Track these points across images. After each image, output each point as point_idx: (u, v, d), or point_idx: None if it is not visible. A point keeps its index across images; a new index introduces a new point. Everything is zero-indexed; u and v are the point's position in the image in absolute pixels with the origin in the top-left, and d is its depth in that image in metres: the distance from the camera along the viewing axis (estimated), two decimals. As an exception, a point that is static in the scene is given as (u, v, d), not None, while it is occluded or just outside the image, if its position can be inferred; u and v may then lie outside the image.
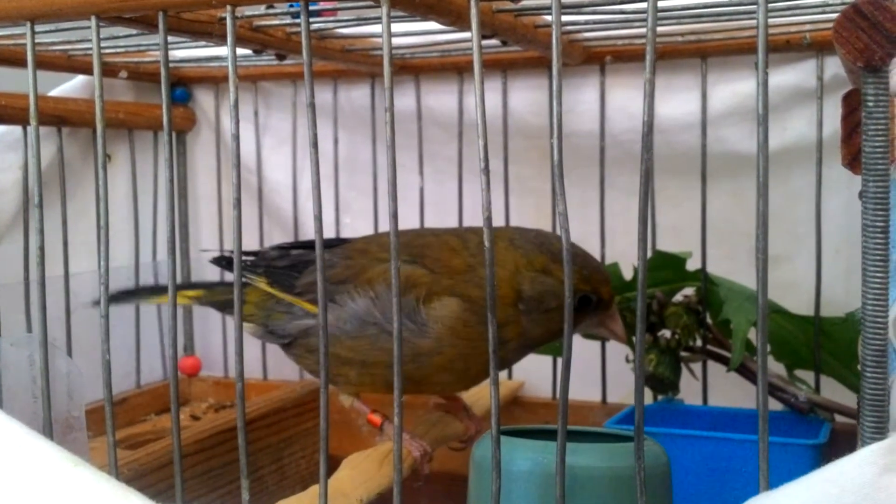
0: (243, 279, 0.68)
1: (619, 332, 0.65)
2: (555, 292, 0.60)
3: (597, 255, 0.80)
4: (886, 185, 0.38)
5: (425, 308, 0.60)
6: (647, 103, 0.40)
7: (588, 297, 0.62)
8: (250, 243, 0.93)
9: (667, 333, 0.73)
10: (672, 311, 0.73)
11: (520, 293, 0.61)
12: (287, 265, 0.68)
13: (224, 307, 0.73)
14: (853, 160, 0.40)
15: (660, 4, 0.59)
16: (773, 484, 0.40)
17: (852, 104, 0.40)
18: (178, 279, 0.94)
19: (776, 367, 0.72)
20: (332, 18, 0.63)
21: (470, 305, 0.60)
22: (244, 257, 0.73)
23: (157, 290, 0.80)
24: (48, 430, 0.52)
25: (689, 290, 0.75)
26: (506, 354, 0.63)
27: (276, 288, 0.67)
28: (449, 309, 0.60)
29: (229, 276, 0.83)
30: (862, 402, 0.39)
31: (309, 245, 0.71)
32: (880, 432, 0.38)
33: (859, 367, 0.40)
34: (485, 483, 0.50)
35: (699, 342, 0.74)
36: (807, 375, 0.73)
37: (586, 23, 0.67)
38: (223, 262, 0.75)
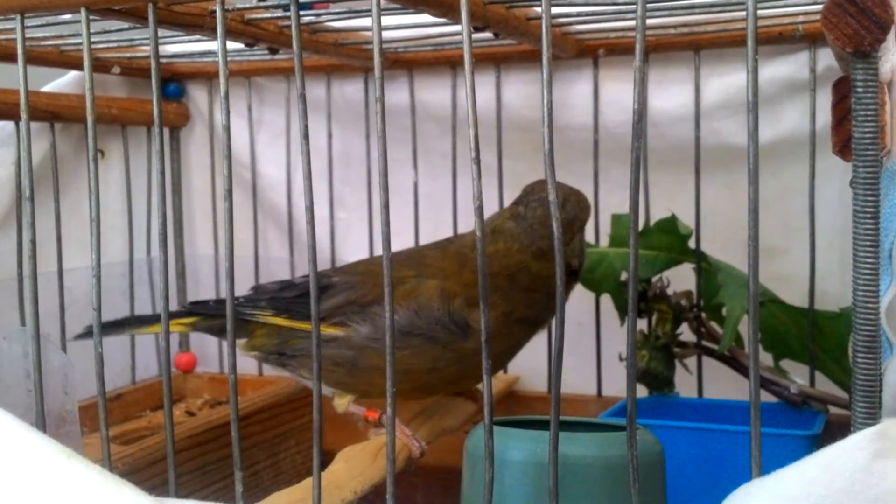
0: (242, 317, 0.68)
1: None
2: (522, 269, 0.66)
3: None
4: (876, 172, 0.38)
5: (468, 314, 0.64)
6: (638, 91, 0.40)
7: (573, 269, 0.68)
8: (245, 238, 0.93)
9: (659, 330, 0.73)
10: (666, 306, 0.73)
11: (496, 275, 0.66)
12: (297, 295, 0.68)
13: (221, 332, 0.72)
14: (844, 147, 0.40)
15: (651, -5, 0.60)
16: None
17: (843, 91, 0.40)
18: (171, 275, 0.94)
19: (769, 360, 0.72)
20: (323, 11, 0.63)
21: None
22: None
23: (147, 320, 0.76)
24: (41, 423, 0.52)
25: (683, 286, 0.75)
26: (509, 329, 0.67)
27: (286, 317, 0.67)
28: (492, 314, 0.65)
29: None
30: (854, 388, 0.39)
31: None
32: (872, 418, 0.38)
33: (850, 353, 0.40)
34: (478, 473, 0.50)
35: (693, 337, 0.74)
36: (798, 367, 0.73)
37: (578, 14, 0.67)
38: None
